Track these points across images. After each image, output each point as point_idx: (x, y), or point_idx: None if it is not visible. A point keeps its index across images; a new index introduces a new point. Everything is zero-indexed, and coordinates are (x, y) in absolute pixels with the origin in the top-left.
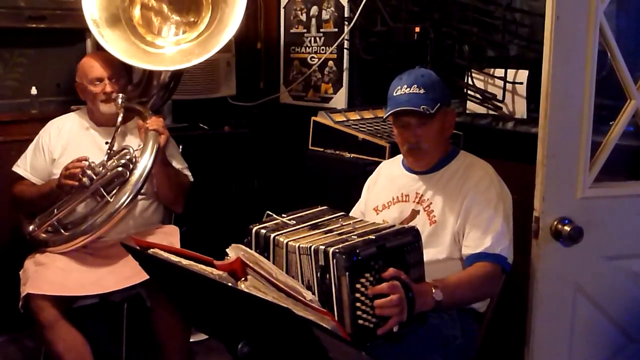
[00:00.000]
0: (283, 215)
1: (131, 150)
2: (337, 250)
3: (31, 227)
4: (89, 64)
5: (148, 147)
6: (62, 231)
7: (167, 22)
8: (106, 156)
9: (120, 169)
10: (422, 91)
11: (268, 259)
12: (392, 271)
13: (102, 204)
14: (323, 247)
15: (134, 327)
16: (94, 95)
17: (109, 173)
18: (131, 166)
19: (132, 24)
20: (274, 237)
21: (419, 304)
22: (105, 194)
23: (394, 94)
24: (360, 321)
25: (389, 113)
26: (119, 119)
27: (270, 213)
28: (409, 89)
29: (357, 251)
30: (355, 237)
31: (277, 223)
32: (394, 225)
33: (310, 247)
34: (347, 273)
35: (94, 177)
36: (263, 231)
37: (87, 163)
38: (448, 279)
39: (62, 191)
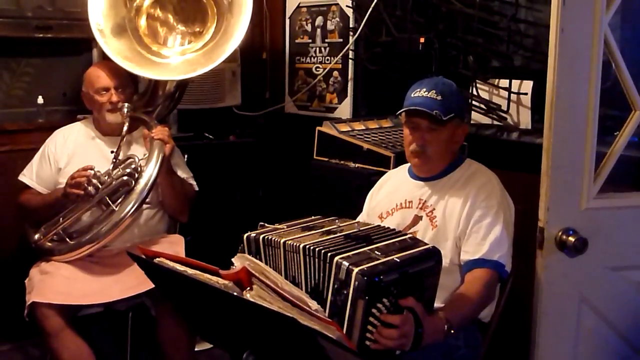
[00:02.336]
0: (276, 224)
1: (136, 160)
2: (360, 273)
3: (37, 236)
4: (95, 73)
5: (153, 156)
6: (68, 240)
7: (173, 32)
8: (112, 165)
9: (125, 178)
10: (439, 97)
11: (259, 260)
12: (411, 302)
13: (107, 212)
14: (347, 263)
15: (139, 336)
16: (100, 104)
17: (114, 182)
18: (136, 175)
19: (137, 34)
20: (263, 237)
21: (428, 339)
22: (110, 202)
23: (412, 95)
24: (367, 342)
25: (401, 110)
26: (125, 128)
27: (263, 223)
28: (427, 93)
29: (381, 277)
30: (379, 254)
31: (268, 229)
32: (418, 242)
33: (325, 252)
34: (366, 297)
35: (100, 186)
36: (253, 235)
37: (92, 172)
38: (459, 307)
39: (68, 200)
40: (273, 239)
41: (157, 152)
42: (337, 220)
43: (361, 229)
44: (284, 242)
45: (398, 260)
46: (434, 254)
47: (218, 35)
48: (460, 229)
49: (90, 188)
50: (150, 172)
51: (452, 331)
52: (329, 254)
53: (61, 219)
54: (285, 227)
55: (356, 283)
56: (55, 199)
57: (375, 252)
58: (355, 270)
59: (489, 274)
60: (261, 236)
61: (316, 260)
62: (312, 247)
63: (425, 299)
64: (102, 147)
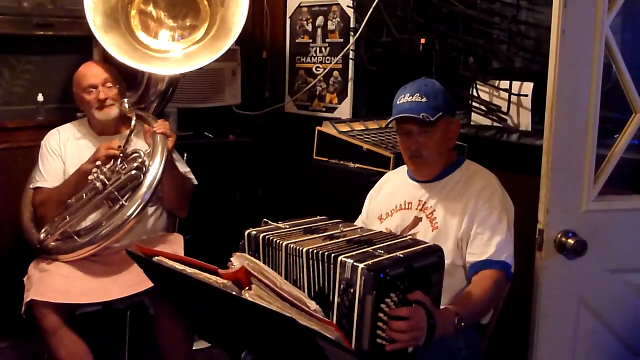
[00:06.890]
0: (280, 223)
1: (142, 154)
2: (366, 268)
3: (42, 236)
4: (82, 72)
5: (158, 150)
6: (76, 238)
7: (165, 26)
8: (118, 160)
9: (134, 172)
10: (424, 100)
11: (259, 260)
12: (419, 295)
13: (116, 208)
14: (352, 261)
15: (137, 334)
16: (88, 103)
17: (122, 177)
18: (144, 169)
19: (130, 28)
20: (264, 237)
21: (439, 332)
22: (120, 197)
23: (398, 102)
24: (379, 340)
25: (390, 120)
26: (133, 122)
27: (267, 220)
28: (411, 97)
29: (387, 271)
30: (383, 252)
31: (270, 228)
32: (419, 242)
33: (328, 254)
34: (374, 292)
35: (107, 182)
36: (254, 233)
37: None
38: (468, 301)
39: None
40: (275, 240)
41: (162, 146)
42: (340, 225)
43: (364, 234)
44: (286, 246)
45: (402, 256)
46: (436, 250)
47: (214, 29)
48: (463, 230)
49: (98, 184)
50: (157, 165)
51: (463, 324)
52: (333, 255)
53: (68, 217)
54: (287, 226)
55: (363, 279)
56: (77, 175)
57: (379, 251)
58: (361, 266)
59: (497, 275)
60: (262, 235)
61: (320, 263)
62: (315, 251)
63: (432, 296)
64: (96, 147)
